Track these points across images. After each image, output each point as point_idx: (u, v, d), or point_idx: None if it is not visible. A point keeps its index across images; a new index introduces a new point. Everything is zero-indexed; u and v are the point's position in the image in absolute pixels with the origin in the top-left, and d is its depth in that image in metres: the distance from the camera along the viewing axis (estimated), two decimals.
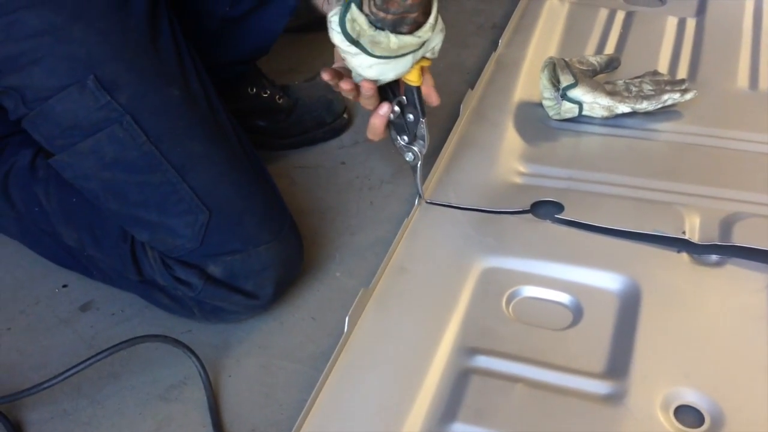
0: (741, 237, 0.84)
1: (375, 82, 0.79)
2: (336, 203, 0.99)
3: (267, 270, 0.80)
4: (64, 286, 0.89)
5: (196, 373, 0.75)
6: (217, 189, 0.78)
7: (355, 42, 0.72)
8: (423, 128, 0.85)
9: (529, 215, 0.91)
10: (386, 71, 0.76)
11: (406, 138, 0.87)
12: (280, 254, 0.81)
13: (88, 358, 0.73)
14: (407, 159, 0.89)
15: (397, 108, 0.84)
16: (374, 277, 0.83)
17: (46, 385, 0.72)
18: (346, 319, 0.77)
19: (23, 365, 0.80)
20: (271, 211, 0.82)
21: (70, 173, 0.77)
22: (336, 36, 0.73)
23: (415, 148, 0.87)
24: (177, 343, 0.76)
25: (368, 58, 0.74)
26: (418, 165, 0.89)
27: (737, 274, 0.82)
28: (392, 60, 0.75)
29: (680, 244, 0.85)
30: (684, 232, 0.85)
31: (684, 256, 0.84)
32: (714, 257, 0.84)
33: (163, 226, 0.77)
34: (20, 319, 0.85)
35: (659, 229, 0.86)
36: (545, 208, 0.92)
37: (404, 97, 0.83)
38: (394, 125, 0.86)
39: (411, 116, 0.84)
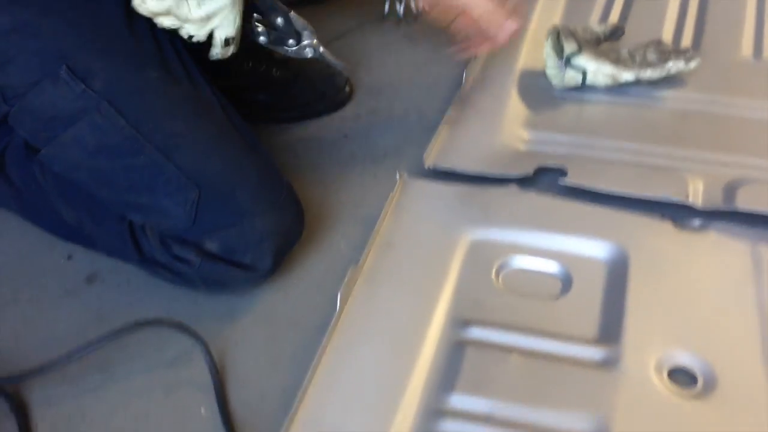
0: (744, 201, 0.84)
1: None
2: (339, 176, 1.00)
3: (264, 241, 0.80)
4: (69, 257, 0.90)
5: (202, 343, 0.77)
6: (204, 166, 0.79)
7: None
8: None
9: (531, 183, 0.92)
10: None
11: None
12: (277, 225, 0.82)
13: (93, 342, 0.75)
14: None
15: None
16: (363, 254, 0.84)
17: (57, 363, 0.75)
18: (338, 296, 0.78)
19: (29, 337, 0.82)
20: (264, 183, 0.82)
21: (58, 166, 0.80)
22: None
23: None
24: (179, 327, 0.78)
25: None
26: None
27: (722, 238, 0.83)
28: None
29: (682, 209, 0.85)
30: (687, 197, 0.85)
31: (669, 222, 0.85)
32: (697, 222, 0.84)
33: (154, 208, 0.79)
34: (25, 291, 0.87)
35: (665, 194, 0.86)
36: (548, 175, 0.92)
37: None
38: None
39: None
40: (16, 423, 0.72)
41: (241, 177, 0.80)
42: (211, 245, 0.80)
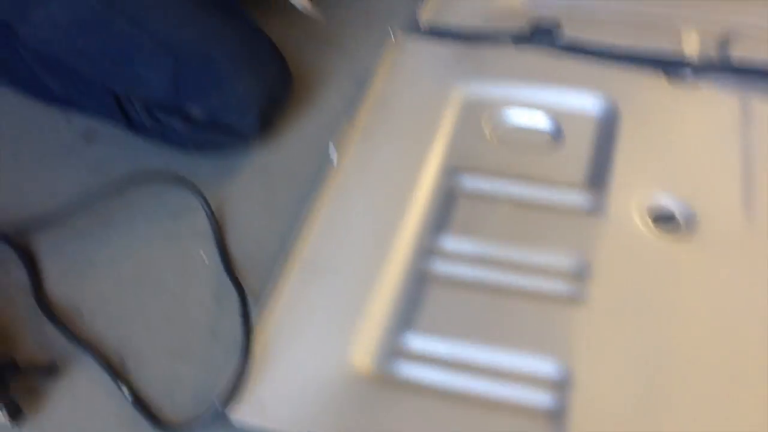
0: (738, 56, 0.85)
1: None
2: (332, 33, 0.99)
3: (247, 103, 0.81)
4: (69, 121, 0.91)
5: (201, 195, 0.79)
6: (179, 32, 0.79)
7: None
8: None
9: (526, 41, 0.92)
10: None
11: None
12: (259, 85, 0.82)
13: (95, 194, 0.78)
14: None
15: None
16: (357, 108, 0.85)
17: (62, 215, 0.77)
18: (332, 148, 0.80)
19: (33, 194, 0.84)
20: (243, 45, 0.82)
21: (36, 45, 0.81)
22: None
23: None
24: (178, 180, 0.80)
25: None
26: None
27: (713, 92, 0.84)
28: None
29: (676, 64, 0.86)
30: (682, 51, 0.86)
31: (661, 76, 0.86)
32: (690, 76, 0.85)
33: (133, 78, 0.79)
34: (26, 152, 0.88)
35: (659, 49, 0.87)
36: (543, 33, 0.92)
37: None
38: None
39: None
40: (26, 272, 0.75)
41: (217, 41, 0.80)
42: (195, 111, 0.80)
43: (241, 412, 0.62)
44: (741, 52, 0.86)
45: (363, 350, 0.66)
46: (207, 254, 0.76)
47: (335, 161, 0.80)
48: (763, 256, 0.69)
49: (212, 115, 0.81)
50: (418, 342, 0.66)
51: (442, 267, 0.71)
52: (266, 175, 0.83)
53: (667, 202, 0.74)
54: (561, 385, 0.62)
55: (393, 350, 0.66)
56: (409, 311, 0.68)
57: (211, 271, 0.75)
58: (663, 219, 0.74)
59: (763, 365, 0.62)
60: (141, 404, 0.64)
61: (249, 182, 0.83)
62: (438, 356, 0.65)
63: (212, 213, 0.78)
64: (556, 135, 0.82)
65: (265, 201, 0.81)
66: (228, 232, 0.78)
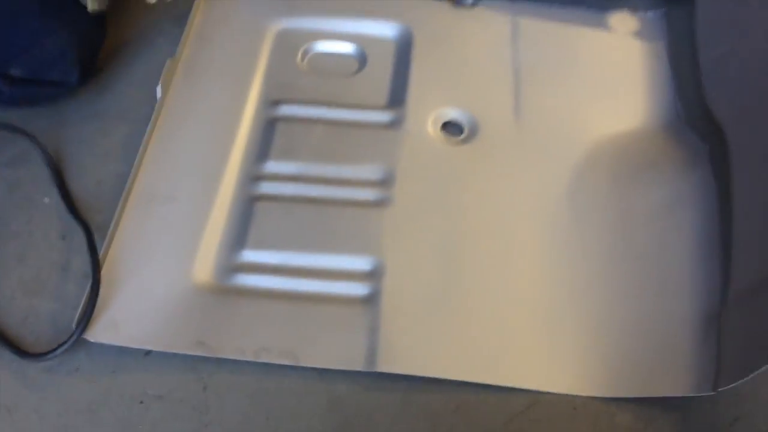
0: None
1: None
2: None
3: (64, 55, 0.84)
4: None
5: (35, 141, 0.84)
6: None
7: None
8: None
9: None
10: None
11: None
12: (72, 36, 0.85)
13: None
14: None
15: None
16: (178, 47, 0.91)
17: None
18: (158, 87, 0.86)
19: None
20: (48, 1, 0.84)
21: None
22: None
23: None
24: (10, 128, 0.84)
25: None
26: None
27: (489, 12, 0.97)
28: None
29: None
30: None
31: (446, 2, 0.97)
32: (470, 0, 0.97)
33: None
34: None
35: None
36: None
37: None
38: None
39: None
40: None
41: (18, 2, 0.82)
42: (16, 71, 0.83)
43: (97, 333, 0.70)
44: None
45: (203, 267, 0.75)
46: (50, 198, 0.82)
47: (159, 98, 0.86)
48: (527, 152, 0.84)
49: (33, 73, 0.84)
50: (251, 255, 0.76)
51: (267, 188, 0.81)
52: (98, 119, 0.88)
53: (453, 113, 0.87)
54: (374, 275, 0.75)
55: (230, 265, 0.76)
56: (242, 229, 0.78)
57: (56, 213, 0.80)
58: (450, 126, 0.87)
59: (524, 241, 0.78)
60: (2, 338, 0.71)
61: (83, 127, 0.88)
62: (270, 265, 0.76)
63: (50, 157, 0.83)
64: (361, 59, 0.93)
65: (100, 143, 0.86)
66: (68, 176, 0.83)
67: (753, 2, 0.85)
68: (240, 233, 0.78)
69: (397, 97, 0.88)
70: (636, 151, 0.84)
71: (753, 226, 0.72)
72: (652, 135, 0.85)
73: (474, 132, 0.86)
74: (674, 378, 0.68)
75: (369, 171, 0.82)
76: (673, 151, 0.84)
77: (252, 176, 0.82)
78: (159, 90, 0.86)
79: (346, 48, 0.94)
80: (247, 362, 0.70)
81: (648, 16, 0.96)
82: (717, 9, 0.90)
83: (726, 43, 0.87)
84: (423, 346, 0.71)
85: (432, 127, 0.86)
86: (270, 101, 0.88)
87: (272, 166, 0.83)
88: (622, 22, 0.96)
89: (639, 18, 0.96)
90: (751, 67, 0.82)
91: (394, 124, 0.86)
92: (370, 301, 0.73)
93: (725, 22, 0.89)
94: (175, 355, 0.70)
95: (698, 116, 0.85)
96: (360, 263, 0.76)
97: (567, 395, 0.69)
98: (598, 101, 0.88)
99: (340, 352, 0.70)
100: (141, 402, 0.69)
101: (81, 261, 0.76)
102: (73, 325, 0.70)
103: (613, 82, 0.90)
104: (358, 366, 0.69)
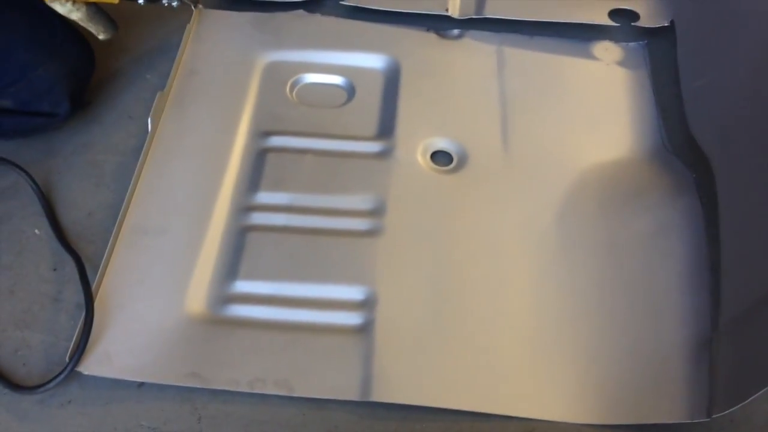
0: (491, 10, 1.00)
1: None
2: (137, 11, 1.02)
3: (55, 87, 0.85)
4: None
5: (26, 174, 0.84)
6: None
7: None
8: None
9: (316, 6, 1.02)
10: None
11: None
12: (62, 68, 0.86)
13: None
14: None
15: None
16: (168, 81, 0.92)
17: None
18: (149, 120, 0.86)
19: None
20: (36, 33, 0.85)
21: None
22: None
23: None
24: (1, 161, 0.84)
25: None
26: None
27: (474, 43, 0.99)
28: None
29: (443, 20, 1.00)
30: (447, 9, 1.00)
31: (433, 33, 0.99)
32: (456, 32, 0.99)
33: None
34: None
35: (428, 8, 1.00)
36: None
37: None
38: None
39: None
40: None
41: (10, 34, 0.83)
42: (6, 103, 0.84)
43: (90, 366, 0.70)
44: (495, 7, 1.00)
45: (196, 299, 0.75)
46: (41, 230, 0.81)
47: (150, 131, 0.87)
48: (516, 181, 0.85)
49: (23, 105, 0.85)
50: (244, 286, 0.76)
51: (259, 219, 0.81)
52: (88, 150, 0.89)
53: (442, 142, 0.88)
54: (367, 305, 0.75)
55: (223, 296, 0.76)
56: (234, 259, 0.78)
57: (47, 244, 0.80)
58: (439, 155, 0.88)
59: (515, 268, 0.78)
60: None
61: (72, 158, 0.88)
62: (263, 296, 0.76)
63: (39, 189, 0.83)
64: (350, 91, 0.94)
65: (90, 174, 0.87)
66: (58, 207, 0.83)
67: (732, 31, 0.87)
68: (232, 264, 0.78)
69: (386, 128, 0.89)
70: (623, 179, 0.85)
71: (741, 252, 0.73)
72: (638, 163, 0.87)
73: (463, 161, 0.87)
74: (668, 404, 0.69)
75: (360, 201, 0.83)
76: (659, 179, 0.85)
77: (243, 207, 0.82)
78: (150, 123, 0.87)
79: (335, 80, 0.95)
80: (242, 392, 0.70)
81: (630, 46, 0.98)
82: (697, 40, 0.93)
83: (707, 73, 0.89)
84: (417, 374, 0.71)
85: (422, 157, 0.87)
86: (260, 133, 0.89)
87: (263, 197, 0.83)
88: (606, 51, 0.98)
89: (622, 48, 0.98)
90: (732, 96, 0.84)
91: (384, 154, 0.87)
92: (364, 330, 0.74)
93: (705, 52, 0.91)
94: (169, 386, 0.70)
95: (683, 144, 0.87)
96: (353, 293, 0.76)
97: (562, 422, 0.69)
98: (585, 130, 0.90)
99: (334, 381, 0.70)
100: None
101: (72, 292, 0.76)
102: (67, 358, 0.70)
103: (599, 111, 0.92)
104: (353, 396, 0.69)
